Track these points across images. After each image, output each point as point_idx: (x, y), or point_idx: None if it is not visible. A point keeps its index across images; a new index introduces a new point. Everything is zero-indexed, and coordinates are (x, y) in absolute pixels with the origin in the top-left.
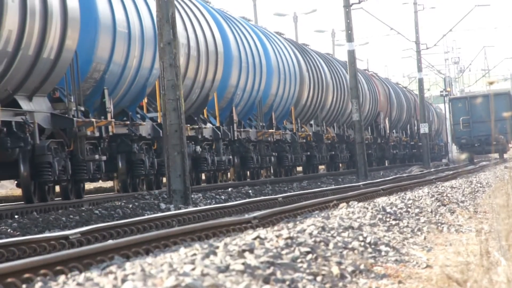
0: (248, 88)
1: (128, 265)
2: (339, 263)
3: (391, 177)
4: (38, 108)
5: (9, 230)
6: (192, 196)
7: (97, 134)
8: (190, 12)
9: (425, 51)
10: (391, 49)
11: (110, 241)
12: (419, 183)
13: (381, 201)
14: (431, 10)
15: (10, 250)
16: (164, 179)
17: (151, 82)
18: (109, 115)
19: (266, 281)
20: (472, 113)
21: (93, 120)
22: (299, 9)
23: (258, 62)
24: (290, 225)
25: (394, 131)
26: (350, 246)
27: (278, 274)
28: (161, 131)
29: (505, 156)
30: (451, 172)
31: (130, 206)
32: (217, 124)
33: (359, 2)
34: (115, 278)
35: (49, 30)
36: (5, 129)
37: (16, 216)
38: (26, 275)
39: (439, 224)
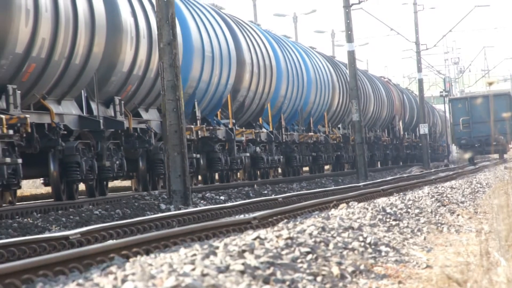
0: (293, 98)
1: (128, 265)
2: (339, 264)
3: (391, 178)
4: (151, 118)
5: (9, 230)
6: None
7: (193, 137)
8: (251, 36)
9: (425, 51)
10: (391, 49)
11: (110, 242)
12: (419, 183)
13: (381, 201)
14: (431, 11)
15: (10, 251)
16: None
17: (225, 95)
18: (198, 122)
19: (266, 281)
20: (472, 113)
21: (192, 126)
22: (299, 9)
23: (300, 74)
24: (290, 225)
25: (406, 133)
26: (350, 246)
27: (278, 275)
28: (232, 134)
29: (505, 156)
30: (451, 172)
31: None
32: (270, 129)
33: (359, 3)
34: (115, 279)
35: None
36: (136, 133)
37: (16, 216)
38: (26, 276)
39: (439, 225)
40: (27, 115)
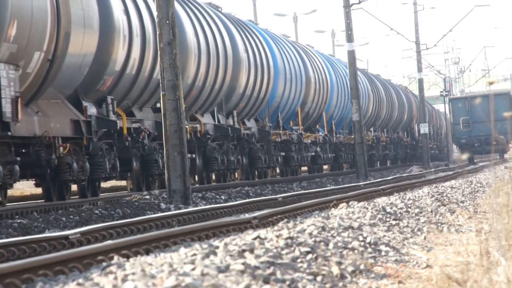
0: (340, 107)
1: (128, 265)
2: (339, 263)
3: (391, 177)
4: (251, 126)
5: (9, 230)
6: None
7: (278, 140)
8: (312, 58)
9: (425, 51)
10: (391, 49)
11: (110, 241)
12: (419, 183)
13: (381, 201)
14: (431, 10)
15: (10, 250)
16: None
17: (297, 107)
18: (281, 128)
19: (266, 281)
20: (472, 113)
21: (280, 132)
22: (299, 9)
23: (345, 87)
24: (290, 225)
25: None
26: (350, 246)
27: (278, 274)
28: (302, 138)
29: (505, 156)
30: (451, 172)
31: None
32: (325, 133)
33: (359, 2)
34: (115, 278)
35: (264, 81)
36: (245, 137)
37: (16, 216)
38: (26, 275)
39: (439, 224)
40: (197, 125)
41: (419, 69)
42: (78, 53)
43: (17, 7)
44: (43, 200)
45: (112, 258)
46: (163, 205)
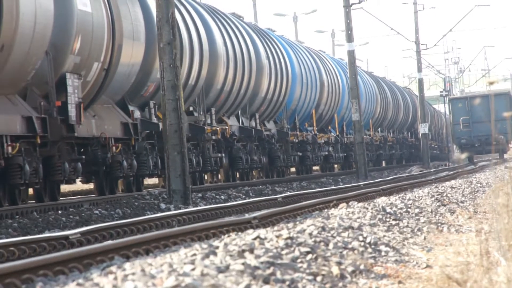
0: (351, 109)
1: (128, 265)
2: (339, 263)
3: (391, 177)
4: (271, 127)
5: (9, 230)
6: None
7: (295, 140)
8: (325, 63)
9: (425, 51)
10: (391, 49)
11: (110, 241)
12: (419, 183)
13: (381, 201)
14: (431, 10)
15: (10, 250)
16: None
17: (311, 109)
18: (298, 129)
19: (266, 281)
20: (472, 113)
21: (297, 133)
22: (299, 9)
23: None
24: (290, 225)
25: None
26: (350, 246)
27: (278, 274)
28: (316, 138)
29: (505, 156)
30: (451, 172)
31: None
32: (336, 133)
33: (359, 2)
34: (115, 278)
35: (283, 85)
36: (266, 137)
37: (16, 216)
38: (26, 275)
39: (439, 224)
40: (226, 126)
41: (419, 69)
42: (128, 63)
43: (81, 23)
44: (94, 195)
45: (112, 258)
46: (163, 205)
